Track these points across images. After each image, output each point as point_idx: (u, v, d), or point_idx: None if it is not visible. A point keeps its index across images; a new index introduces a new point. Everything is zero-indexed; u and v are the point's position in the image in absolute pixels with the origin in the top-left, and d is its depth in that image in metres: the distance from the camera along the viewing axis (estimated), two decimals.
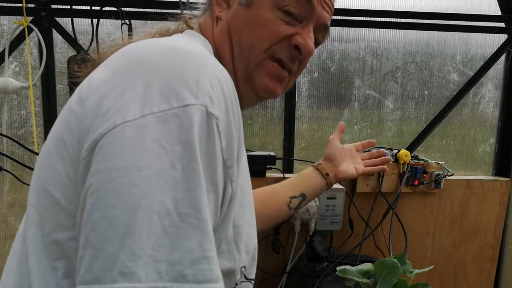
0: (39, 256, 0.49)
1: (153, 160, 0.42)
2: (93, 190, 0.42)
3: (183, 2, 0.74)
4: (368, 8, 1.59)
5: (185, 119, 0.43)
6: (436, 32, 1.65)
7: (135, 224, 0.40)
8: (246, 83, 0.65)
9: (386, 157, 1.25)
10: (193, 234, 0.42)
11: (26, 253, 0.51)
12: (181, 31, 0.68)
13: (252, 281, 0.65)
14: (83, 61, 0.65)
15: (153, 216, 0.40)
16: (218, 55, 0.65)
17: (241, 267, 0.59)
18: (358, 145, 1.21)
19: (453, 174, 1.54)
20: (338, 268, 0.96)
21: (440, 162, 1.55)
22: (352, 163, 1.16)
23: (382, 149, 1.29)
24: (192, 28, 0.69)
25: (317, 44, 0.68)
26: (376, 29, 1.62)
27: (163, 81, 0.45)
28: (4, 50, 1.40)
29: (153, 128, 0.43)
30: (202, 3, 0.71)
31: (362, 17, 1.58)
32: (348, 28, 1.61)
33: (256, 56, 0.62)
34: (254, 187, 1.49)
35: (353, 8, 1.58)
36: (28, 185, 0.55)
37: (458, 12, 1.64)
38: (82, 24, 1.47)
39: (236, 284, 0.60)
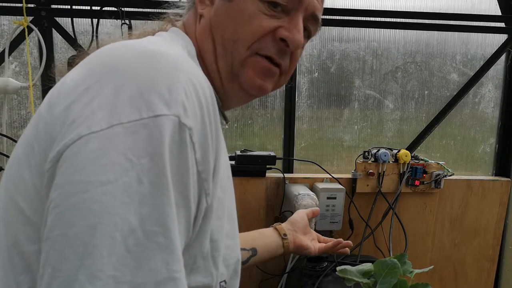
0: (4, 269, 0.47)
1: (119, 174, 0.39)
2: (54, 205, 0.40)
3: (168, 1, 0.72)
4: (368, 8, 1.59)
5: (155, 131, 0.41)
6: (436, 32, 1.66)
7: (95, 243, 0.38)
8: (233, 83, 0.61)
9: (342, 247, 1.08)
10: (159, 253, 0.40)
11: None
12: (166, 30, 0.64)
13: None
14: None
15: (116, 234, 0.38)
16: (200, 55, 0.62)
17: (221, 282, 0.56)
18: (309, 214, 1.10)
19: (453, 174, 1.54)
20: (338, 268, 0.96)
21: (440, 162, 1.55)
22: (310, 239, 1.06)
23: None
24: (176, 27, 0.65)
25: (309, 36, 0.64)
26: (376, 29, 1.62)
27: (133, 88, 0.42)
28: (4, 50, 1.40)
29: (120, 140, 0.40)
30: (186, 1, 0.68)
31: (362, 17, 1.58)
32: (348, 28, 1.61)
33: (239, 54, 0.59)
34: (253, 187, 1.49)
35: (353, 8, 1.58)
36: None
37: (458, 12, 1.64)
38: (82, 24, 1.47)
39: None
